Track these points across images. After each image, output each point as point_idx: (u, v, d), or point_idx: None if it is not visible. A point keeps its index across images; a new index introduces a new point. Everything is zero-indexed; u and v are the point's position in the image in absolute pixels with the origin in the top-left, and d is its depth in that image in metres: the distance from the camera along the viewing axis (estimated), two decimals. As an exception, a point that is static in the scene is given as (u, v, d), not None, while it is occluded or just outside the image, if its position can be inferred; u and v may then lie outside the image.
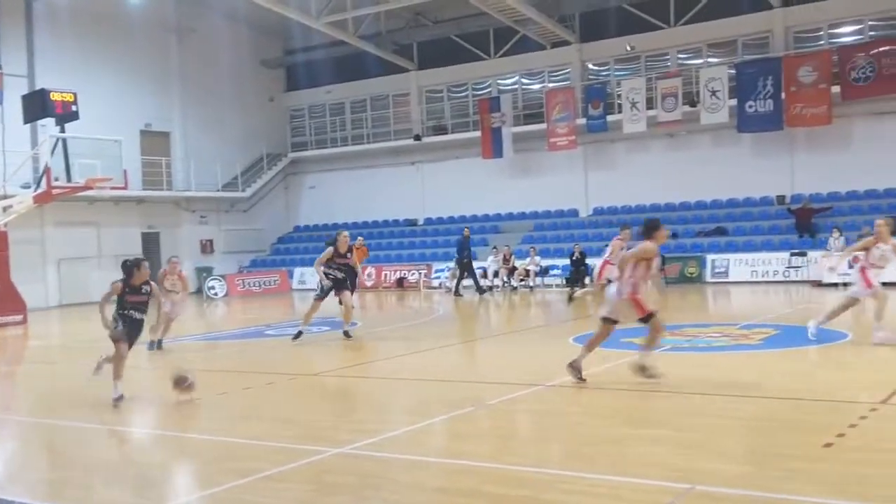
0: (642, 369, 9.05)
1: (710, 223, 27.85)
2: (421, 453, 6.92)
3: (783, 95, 26.30)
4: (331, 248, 14.49)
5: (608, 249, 17.09)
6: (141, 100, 32.19)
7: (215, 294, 31.00)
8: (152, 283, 10.20)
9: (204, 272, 32.44)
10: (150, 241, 32.86)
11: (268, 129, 37.07)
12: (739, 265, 25.38)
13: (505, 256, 27.18)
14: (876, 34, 26.45)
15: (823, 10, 26.95)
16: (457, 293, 25.61)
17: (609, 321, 9.25)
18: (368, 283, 31.11)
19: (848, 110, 25.93)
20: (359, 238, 24.42)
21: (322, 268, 14.40)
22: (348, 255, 14.57)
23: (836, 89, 25.70)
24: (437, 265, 30.16)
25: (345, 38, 32.25)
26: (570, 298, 19.69)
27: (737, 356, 11.34)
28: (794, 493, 5.34)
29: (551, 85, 31.96)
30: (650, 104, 28.60)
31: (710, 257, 25.89)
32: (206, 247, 34.63)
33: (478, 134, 31.96)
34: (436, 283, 29.56)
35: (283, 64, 38.18)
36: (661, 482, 5.75)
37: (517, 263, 27.30)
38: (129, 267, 9.99)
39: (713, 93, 27.49)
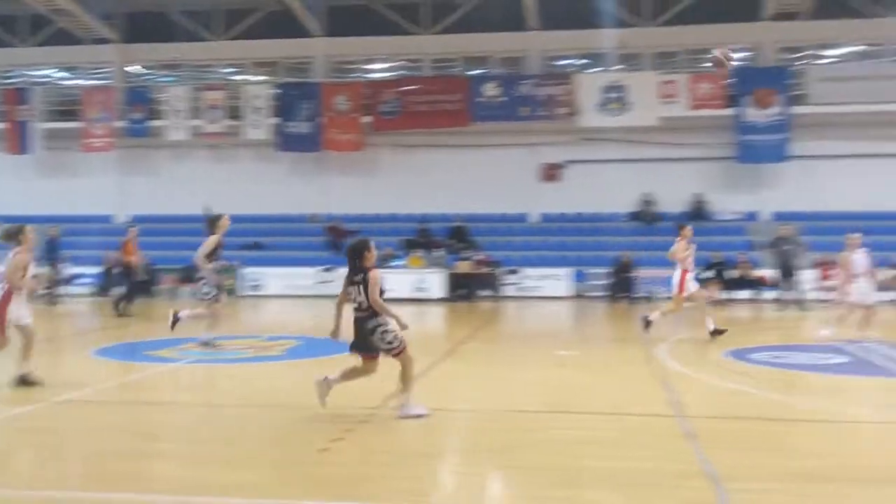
0: None
1: (251, 237, 28.42)
2: None
3: (321, 120, 27.90)
4: (215, 237, 12.83)
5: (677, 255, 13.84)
6: None
7: None
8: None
9: None
10: None
11: None
12: (274, 279, 26.24)
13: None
14: (404, 73, 29.32)
15: (358, 44, 29.10)
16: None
17: None
18: None
19: (378, 140, 28.32)
20: (131, 229, 20.12)
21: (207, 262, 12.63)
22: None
23: (368, 119, 27.94)
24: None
25: None
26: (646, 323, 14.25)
27: (258, 367, 11.71)
28: (293, 498, 5.68)
29: (90, 83, 30.22)
30: (195, 114, 28.46)
31: (247, 270, 26.40)
32: None
33: (2, 126, 29.03)
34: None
35: None
36: (164, 496, 5.77)
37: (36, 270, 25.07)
38: (361, 247, 7.78)
39: (256, 110, 28.22)
